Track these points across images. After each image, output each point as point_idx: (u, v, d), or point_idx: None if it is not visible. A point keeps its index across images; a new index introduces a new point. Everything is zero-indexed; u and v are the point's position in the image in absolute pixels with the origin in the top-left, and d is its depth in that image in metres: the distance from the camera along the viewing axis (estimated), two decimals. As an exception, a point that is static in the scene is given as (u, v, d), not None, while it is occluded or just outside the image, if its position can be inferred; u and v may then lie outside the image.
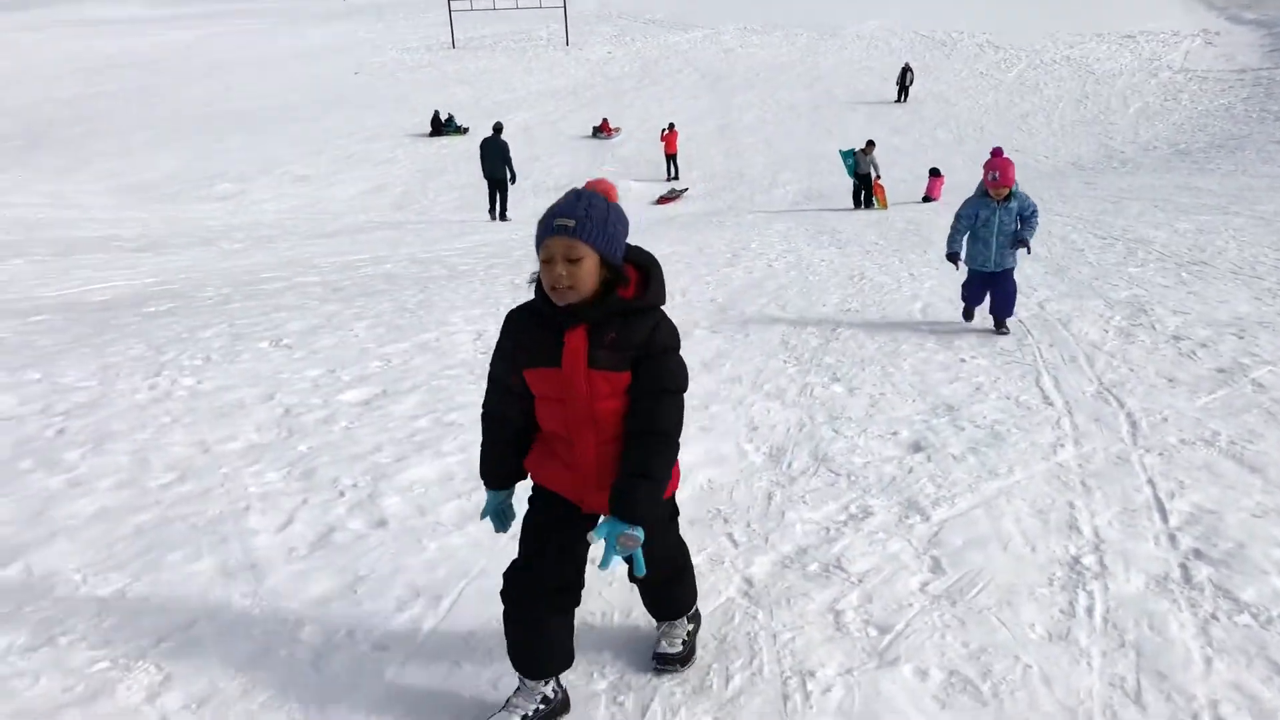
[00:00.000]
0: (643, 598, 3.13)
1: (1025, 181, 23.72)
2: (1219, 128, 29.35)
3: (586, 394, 2.58)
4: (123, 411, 5.55)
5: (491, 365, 2.81)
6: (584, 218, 2.46)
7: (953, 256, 7.56)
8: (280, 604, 3.51)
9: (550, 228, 2.45)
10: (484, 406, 2.90)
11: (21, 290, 10.45)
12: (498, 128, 20.42)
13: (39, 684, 3.00)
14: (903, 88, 36.69)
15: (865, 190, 21.19)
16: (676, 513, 3.13)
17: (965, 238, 7.52)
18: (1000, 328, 7.47)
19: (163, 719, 2.86)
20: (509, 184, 20.25)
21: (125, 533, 4.04)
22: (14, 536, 4.01)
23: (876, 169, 21.23)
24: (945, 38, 46.86)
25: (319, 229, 19.20)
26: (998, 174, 7.16)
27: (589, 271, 2.48)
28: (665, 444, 2.62)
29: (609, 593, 3.58)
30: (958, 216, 7.46)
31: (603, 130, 33.06)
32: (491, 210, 20.60)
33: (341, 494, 4.45)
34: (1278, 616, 3.30)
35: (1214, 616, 3.32)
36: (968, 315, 7.78)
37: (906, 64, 37.67)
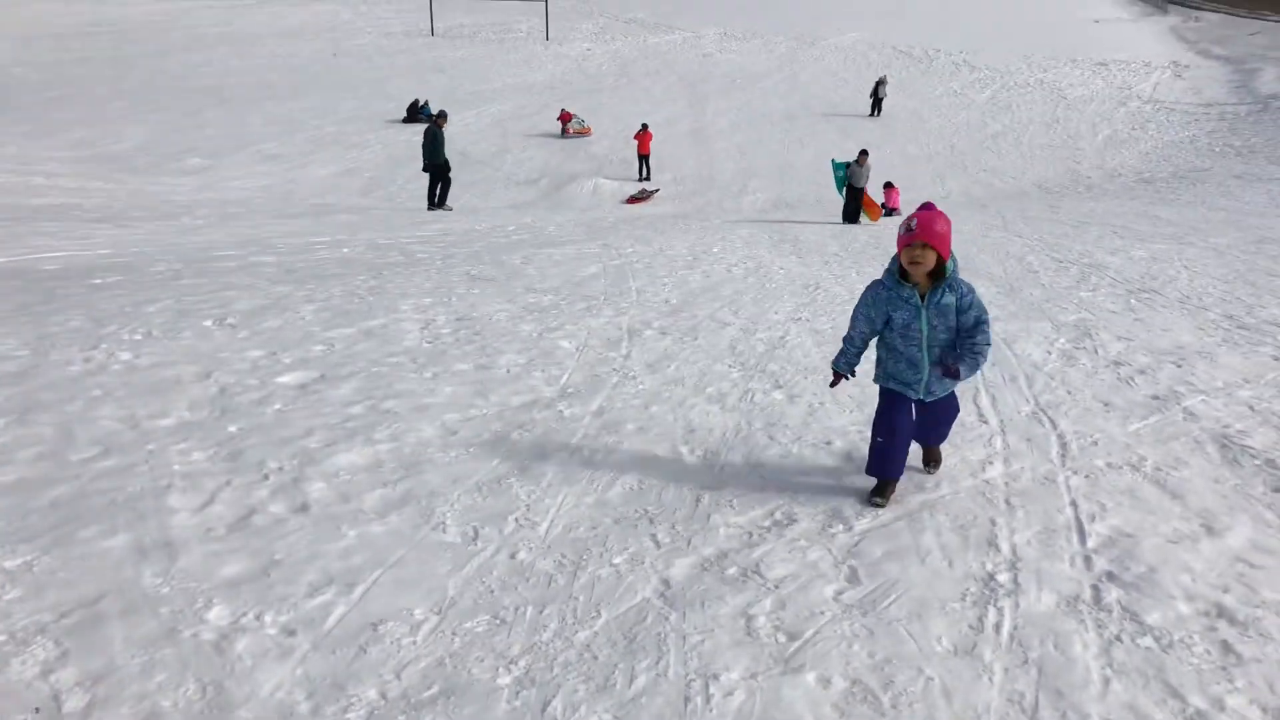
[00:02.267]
0: None
1: (991, 201, 24.01)
2: (1183, 159, 29.80)
3: None
4: (53, 383, 5.46)
5: None
6: None
7: (841, 375, 4.60)
8: (191, 584, 3.48)
9: None
10: None
11: (-31, 255, 10.28)
12: (440, 116, 19.94)
13: (-69, 653, 2.96)
14: (876, 101, 36.91)
15: (854, 203, 20.38)
16: None
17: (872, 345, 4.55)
18: (931, 462, 4.84)
19: (55, 695, 2.83)
20: (447, 174, 19.86)
21: (39, 505, 3.98)
22: (-75, 503, 3.94)
23: (868, 178, 20.55)
24: (922, 54, 47.22)
25: (284, 209, 19.04)
26: (915, 225, 4.09)
27: None
28: None
29: (524, 589, 3.58)
30: (855, 319, 4.47)
31: (562, 119, 32.86)
32: (430, 201, 20.17)
33: (266, 476, 4.42)
34: (1179, 640, 3.36)
35: (1118, 638, 3.37)
36: (882, 473, 4.49)
37: (881, 77, 37.91)
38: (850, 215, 20.31)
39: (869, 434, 4.67)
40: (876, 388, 4.59)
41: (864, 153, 21.04)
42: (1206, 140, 32.03)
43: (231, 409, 5.26)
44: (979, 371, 4.50)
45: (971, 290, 4.25)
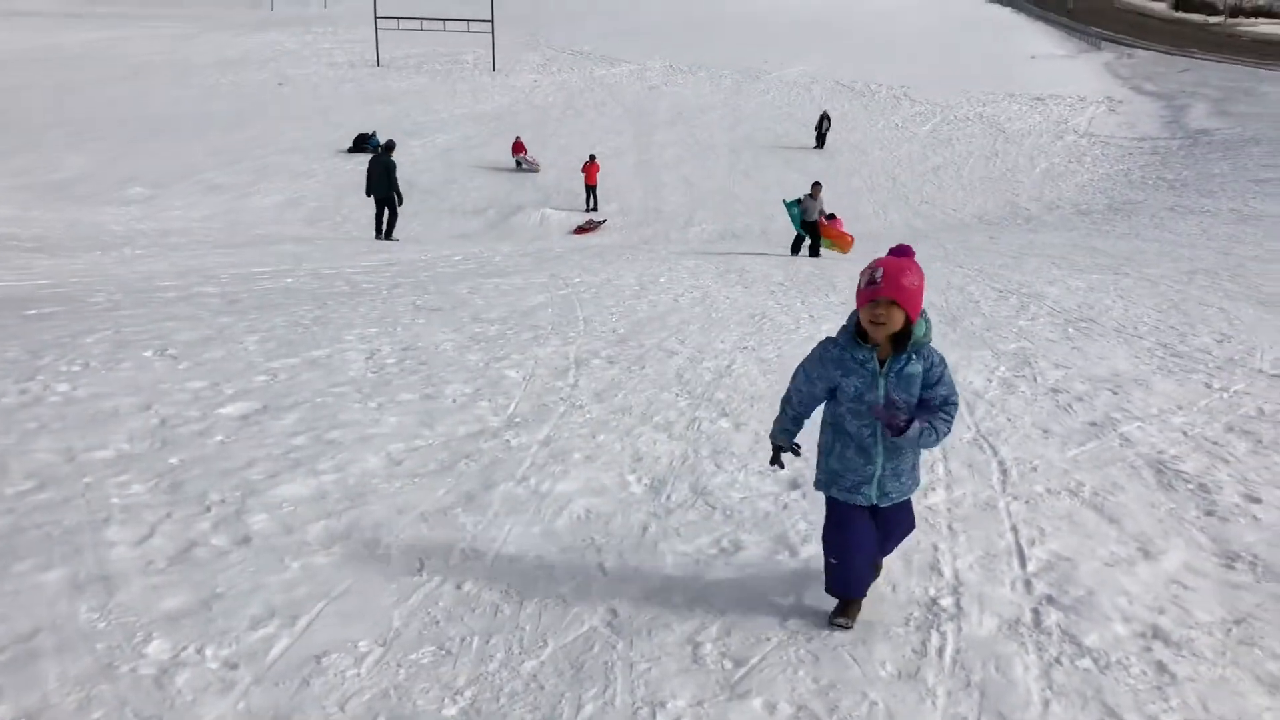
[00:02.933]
0: None
1: (933, 233, 24.39)
2: (1118, 191, 30.52)
3: None
4: (-13, 414, 5.36)
5: None
6: None
7: (780, 450, 3.80)
8: (129, 618, 3.42)
9: None
10: None
11: (-101, 285, 10.04)
12: (389, 146, 19.83)
13: None
14: (820, 135, 37.45)
15: (813, 238, 19.56)
16: None
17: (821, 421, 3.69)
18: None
19: (-13, 733, 2.76)
20: (398, 204, 19.67)
21: (-28, 539, 3.89)
22: None
23: (823, 211, 19.69)
24: (864, 89, 48.00)
25: (227, 239, 18.82)
26: (880, 275, 3.29)
27: None
28: None
29: (470, 619, 3.57)
30: (794, 375, 3.67)
31: (517, 151, 32.72)
32: (378, 230, 19.89)
33: (208, 509, 4.36)
34: (1116, 662, 3.42)
35: (1058, 660, 3.43)
36: (845, 593, 3.65)
37: (824, 112, 38.49)
38: (801, 247, 19.73)
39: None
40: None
41: (817, 184, 20.30)
42: (1140, 173, 32.86)
43: (172, 440, 5.19)
44: (929, 446, 3.51)
45: (943, 362, 3.48)
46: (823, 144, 37.30)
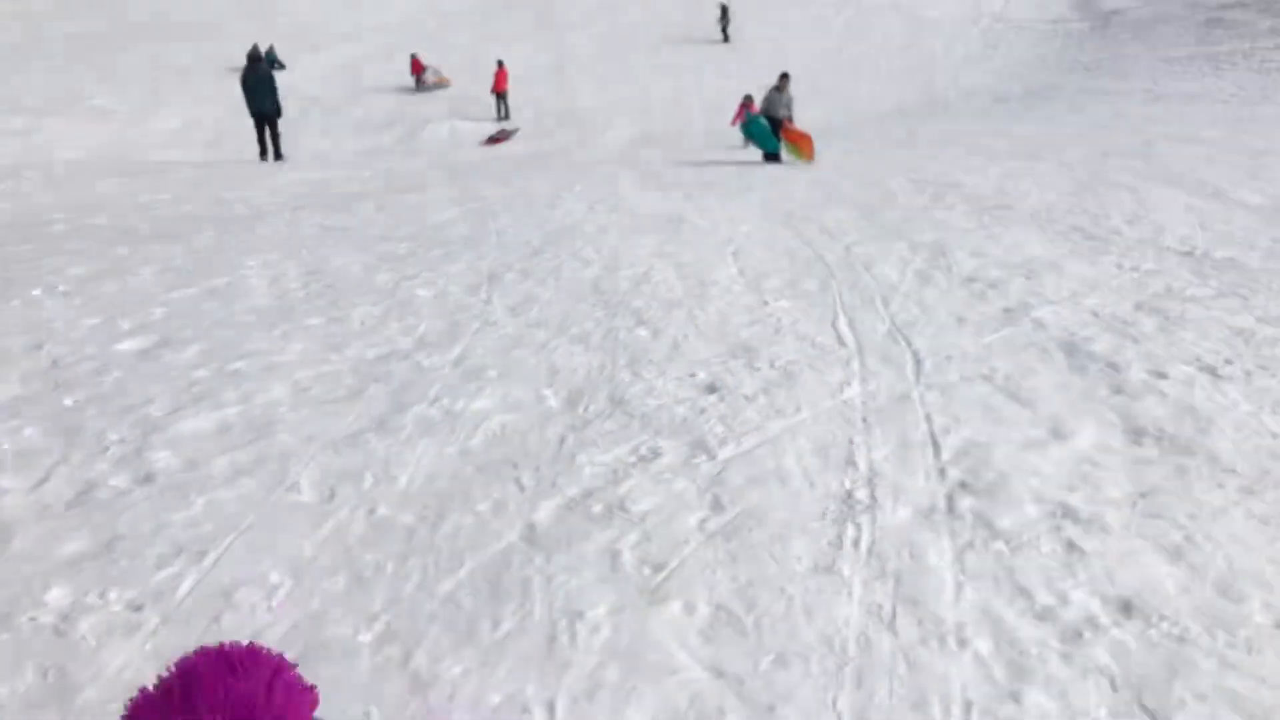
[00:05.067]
0: None
1: (853, 127, 24.37)
2: (1034, 77, 30.62)
3: None
4: None
5: None
6: None
7: None
8: (26, 566, 3.30)
9: None
10: None
11: None
12: (257, 55, 18.46)
13: None
14: (723, 30, 36.95)
15: (775, 139, 16.45)
16: None
17: None
18: None
19: (-126, 697, 2.65)
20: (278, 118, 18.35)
21: None
22: None
23: (790, 108, 16.74)
24: (777, -18, 47.29)
25: (120, 168, 18.07)
26: None
27: None
28: None
29: (384, 544, 3.50)
30: None
31: (416, 70, 31.35)
32: (263, 152, 18.61)
33: (106, 449, 4.21)
34: (1027, 542, 3.48)
35: (970, 545, 3.47)
36: None
37: (722, 4, 37.85)
38: (773, 153, 16.58)
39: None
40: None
41: (785, 76, 17.23)
42: (1055, 58, 32.98)
43: (66, 381, 4.99)
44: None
45: None
46: (727, 38, 36.84)
